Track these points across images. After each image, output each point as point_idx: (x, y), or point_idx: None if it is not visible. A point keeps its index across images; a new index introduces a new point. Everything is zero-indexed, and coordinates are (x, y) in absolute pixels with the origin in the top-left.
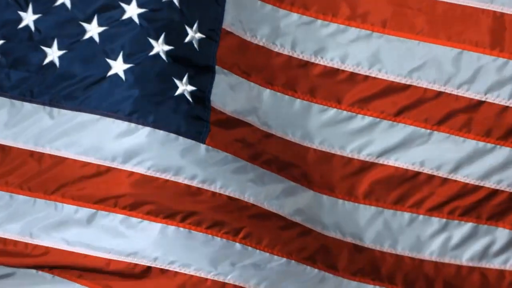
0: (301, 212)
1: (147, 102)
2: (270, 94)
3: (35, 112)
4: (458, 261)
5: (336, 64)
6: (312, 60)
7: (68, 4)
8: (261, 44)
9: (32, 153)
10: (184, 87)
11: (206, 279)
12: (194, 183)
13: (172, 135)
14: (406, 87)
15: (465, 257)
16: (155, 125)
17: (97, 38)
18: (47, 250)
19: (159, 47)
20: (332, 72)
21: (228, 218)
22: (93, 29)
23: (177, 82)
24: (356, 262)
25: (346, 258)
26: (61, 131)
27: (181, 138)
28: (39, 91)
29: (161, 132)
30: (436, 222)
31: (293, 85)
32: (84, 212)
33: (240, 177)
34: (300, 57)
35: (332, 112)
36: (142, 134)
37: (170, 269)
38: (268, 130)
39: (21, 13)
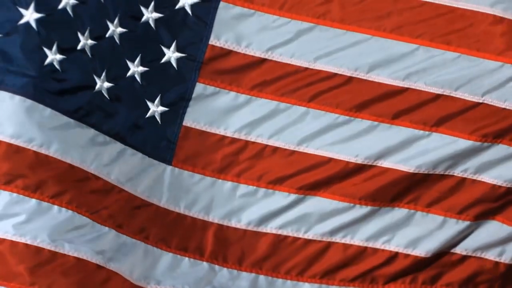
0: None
1: (129, 122)
2: (263, 102)
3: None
4: (451, 250)
5: (334, 69)
6: (311, 67)
7: (70, 11)
8: (257, 55)
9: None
10: (155, 109)
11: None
12: (145, 196)
13: (146, 157)
14: (403, 90)
15: (460, 248)
16: (132, 145)
17: (89, 52)
18: None
19: (135, 68)
20: (330, 77)
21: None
22: (85, 41)
23: (149, 104)
24: (343, 264)
25: (325, 264)
26: (48, 128)
27: (147, 158)
28: (31, 84)
29: (139, 153)
30: (434, 219)
31: (290, 92)
32: None
33: (207, 194)
34: (299, 64)
35: (329, 117)
36: (132, 155)
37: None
38: (256, 140)
39: (22, 10)
